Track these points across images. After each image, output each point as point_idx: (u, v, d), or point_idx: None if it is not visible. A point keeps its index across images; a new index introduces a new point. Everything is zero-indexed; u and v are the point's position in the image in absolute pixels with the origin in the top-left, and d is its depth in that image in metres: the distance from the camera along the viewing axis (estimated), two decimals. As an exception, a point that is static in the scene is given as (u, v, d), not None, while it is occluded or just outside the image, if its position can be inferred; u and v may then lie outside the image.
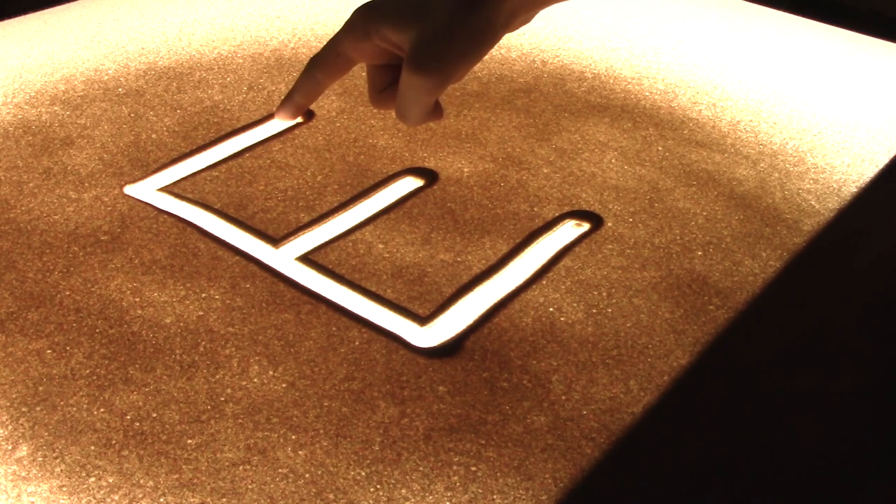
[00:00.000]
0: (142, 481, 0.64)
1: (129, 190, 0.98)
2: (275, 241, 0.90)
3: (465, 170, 1.04)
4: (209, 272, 0.85)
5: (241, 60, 1.28)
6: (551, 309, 0.83)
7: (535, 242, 0.91)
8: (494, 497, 0.64)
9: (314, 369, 0.74)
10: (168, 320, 0.79)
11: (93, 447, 0.67)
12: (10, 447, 0.66)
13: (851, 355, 0.80)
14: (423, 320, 0.80)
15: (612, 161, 1.08)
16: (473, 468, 0.66)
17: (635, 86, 1.27)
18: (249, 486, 0.64)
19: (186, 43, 1.34)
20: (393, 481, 0.65)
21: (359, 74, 1.26)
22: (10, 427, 0.68)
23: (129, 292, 0.82)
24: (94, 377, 0.73)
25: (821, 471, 0.67)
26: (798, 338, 0.82)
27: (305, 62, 1.30)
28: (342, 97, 1.19)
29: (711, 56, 1.39)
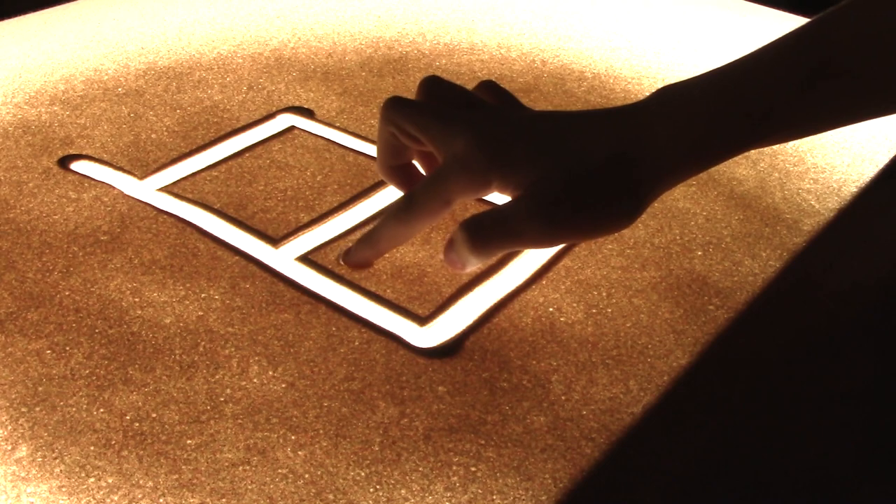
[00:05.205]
0: (141, 482, 0.64)
1: (129, 190, 0.98)
2: (274, 241, 0.90)
3: (465, 170, 1.04)
4: (209, 272, 0.85)
5: (240, 60, 1.28)
6: (551, 309, 0.83)
7: (535, 242, 0.91)
8: (494, 497, 0.64)
9: (314, 369, 0.74)
10: (167, 320, 0.79)
11: (92, 447, 0.66)
12: (9, 447, 0.66)
13: (851, 355, 0.80)
14: (422, 320, 0.80)
15: (612, 161, 1.08)
16: (473, 468, 0.66)
17: (635, 86, 1.27)
18: (249, 487, 0.64)
19: (186, 43, 1.34)
20: (392, 482, 0.65)
21: (357, 74, 1.26)
22: (9, 427, 0.68)
23: (128, 292, 0.82)
24: (94, 377, 0.73)
25: (821, 471, 0.67)
26: (798, 337, 0.82)
27: (305, 62, 1.30)
28: (342, 97, 1.19)
29: (711, 56, 1.39)
